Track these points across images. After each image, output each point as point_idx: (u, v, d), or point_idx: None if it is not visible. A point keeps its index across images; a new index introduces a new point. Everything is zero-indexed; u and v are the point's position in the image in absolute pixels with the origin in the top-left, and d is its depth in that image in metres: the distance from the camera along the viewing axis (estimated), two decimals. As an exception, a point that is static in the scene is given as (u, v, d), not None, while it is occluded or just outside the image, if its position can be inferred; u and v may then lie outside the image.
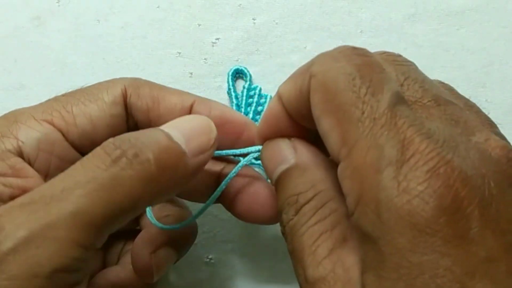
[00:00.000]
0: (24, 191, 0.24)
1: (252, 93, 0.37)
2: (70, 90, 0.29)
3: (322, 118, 0.22)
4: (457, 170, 0.18)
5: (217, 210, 0.37)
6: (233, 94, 0.37)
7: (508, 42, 0.38)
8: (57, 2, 0.39)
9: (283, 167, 0.25)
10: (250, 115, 0.37)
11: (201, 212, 0.30)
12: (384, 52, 0.25)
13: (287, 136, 0.26)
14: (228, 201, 0.31)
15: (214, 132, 0.27)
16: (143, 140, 0.24)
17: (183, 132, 0.25)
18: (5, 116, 0.27)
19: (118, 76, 0.38)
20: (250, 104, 0.37)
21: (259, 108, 0.37)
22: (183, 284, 0.37)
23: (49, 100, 0.28)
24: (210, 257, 0.37)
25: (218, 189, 0.29)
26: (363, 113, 0.20)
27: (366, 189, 0.19)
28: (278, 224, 0.37)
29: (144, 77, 0.38)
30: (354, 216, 0.20)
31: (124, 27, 0.38)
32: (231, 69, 0.38)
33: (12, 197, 0.23)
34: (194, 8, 0.38)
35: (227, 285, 0.37)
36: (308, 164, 0.25)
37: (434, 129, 0.20)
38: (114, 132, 0.28)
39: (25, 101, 0.38)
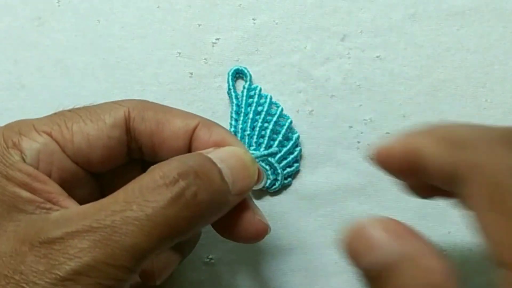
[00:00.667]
0: (49, 193, 0.25)
1: (252, 93, 0.37)
2: (77, 106, 0.29)
3: (485, 213, 0.20)
4: None
5: (217, 210, 0.37)
6: (233, 94, 0.37)
7: (508, 42, 0.38)
8: (57, 2, 0.39)
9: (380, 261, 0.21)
10: (250, 115, 0.37)
11: None
12: None
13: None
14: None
15: (255, 175, 0.29)
16: (203, 178, 0.25)
17: (232, 171, 0.27)
18: (10, 127, 0.28)
19: (118, 76, 0.38)
20: (250, 104, 0.37)
21: (259, 108, 0.37)
22: (183, 284, 0.37)
23: (54, 113, 0.29)
24: (210, 257, 0.37)
25: None
26: None
27: None
28: (278, 223, 0.37)
29: (144, 77, 0.38)
30: None
31: (124, 27, 0.38)
32: (231, 69, 0.38)
33: (47, 200, 0.25)
34: (194, 8, 0.38)
35: (227, 285, 0.37)
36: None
37: None
38: (111, 153, 0.28)
39: (25, 101, 0.38)
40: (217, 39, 0.38)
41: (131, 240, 0.23)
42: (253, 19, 0.38)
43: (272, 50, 0.38)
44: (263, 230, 0.30)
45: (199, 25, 0.38)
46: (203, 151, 0.28)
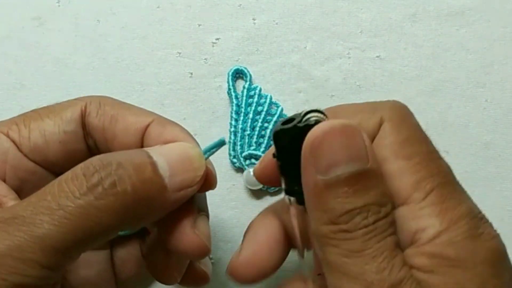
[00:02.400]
0: None
1: (252, 93, 0.37)
2: (42, 106, 0.29)
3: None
4: None
5: (217, 210, 0.37)
6: (233, 94, 0.37)
7: (508, 42, 0.38)
8: (57, 2, 0.39)
9: (359, 166, 0.21)
10: (250, 115, 0.37)
11: None
12: None
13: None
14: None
15: (201, 169, 0.26)
16: (127, 167, 0.24)
17: (170, 164, 0.25)
18: None
19: (118, 76, 0.38)
20: (250, 104, 0.37)
21: (259, 108, 0.37)
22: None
23: (19, 114, 0.29)
24: (210, 257, 0.37)
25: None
26: None
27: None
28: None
29: (144, 77, 0.38)
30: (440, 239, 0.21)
31: (124, 27, 0.38)
32: (231, 69, 0.38)
33: None
34: (194, 8, 0.38)
35: (227, 285, 0.37)
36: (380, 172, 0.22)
37: None
38: (68, 148, 0.28)
39: (25, 101, 0.38)
40: (217, 39, 0.38)
41: (40, 230, 0.22)
42: (253, 19, 0.38)
43: (272, 50, 0.38)
44: (198, 248, 0.26)
45: (199, 25, 0.38)
46: (146, 148, 0.26)
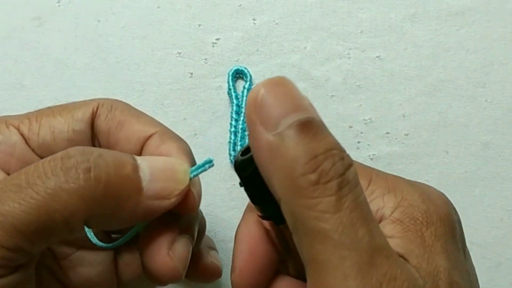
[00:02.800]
0: None
1: (252, 93, 0.37)
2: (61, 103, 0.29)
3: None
4: None
5: (217, 210, 0.37)
6: (233, 94, 0.37)
7: (508, 42, 0.38)
8: (57, 2, 0.39)
9: (306, 114, 0.20)
10: (250, 115, 0.37)
11: (133, 232, 0.28)
12: None
13: None
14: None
15: (183, 183, 0.25)
16: (107, 159, 0.23)
17: (152, 170, 0.24)
18: None
19: (118, 76, 0.38)
20: (250, 104, 0.37)
21: (259, 108, 0.37)
22: (183, 284, 0.37)
23: (35, 110, 0.29)
24: (210, 257, 0.37)
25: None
26: None
27: None
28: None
29: (144, 77, 0.38)
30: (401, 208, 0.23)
31: (124, 27, 0.38)
32: (231, 69, 0.38)
33: None
34: (194, 8, 0.38)
35: (227, 285, 0.37)
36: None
37: None
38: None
39: (25, 101, 0.38)
40: (217, 39, 0.38)
41: (4, 207, 0.21)
42: (253, 19, 0.38)
43: (272, 50, 0.38)
44: (170, 271, 0.26)
45: (199, 25, 0.38)
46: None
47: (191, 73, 0.38)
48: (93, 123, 0.28)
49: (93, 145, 0.28)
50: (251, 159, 0.22)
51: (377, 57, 0.38)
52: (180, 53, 0.38)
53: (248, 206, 0.28)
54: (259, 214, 0.24)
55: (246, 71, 0.37)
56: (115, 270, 0.31)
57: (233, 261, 0.26)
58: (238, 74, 0.38)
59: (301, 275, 0.26)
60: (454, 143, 0.38)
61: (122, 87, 0.38)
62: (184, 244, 0.27)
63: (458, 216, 0.24)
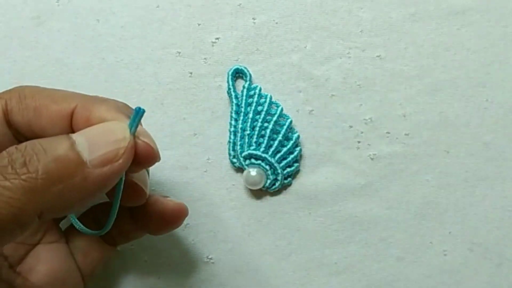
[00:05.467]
0: None
1: (252, 93, 0.37)
2: None
3: None
4: None
5: (217, 209, 0.37)
6: (233, 94, 0.37)
7: (509, 42, 0.38)
8: (57, 2, 0.39)
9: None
10: (250, 115, 0.37)
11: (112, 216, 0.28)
12: None
13: None
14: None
15: (124, 141, 0.25)
16: (40, 148, 0.23)
17: (90, 139, 0.24)
18: None
19: (118, 76, 0.38)
20: (250, 104, 0.37)
21: (259, 108, 0.37)
22: (183, 284, 0.37)
23: None
24: (210, 257, 0.37)
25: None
26: None
27: None
28: (278, 223, 0.37)
29: (144, 77, 0.38)
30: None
31: (124, 27, 0.38)
32: (231, 68, 0.37)
33: None
34: (194, 8, 0.38)
35: (227, 285, 0.37)
36: None
37: None
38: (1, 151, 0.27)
39: (25, 101, 0.38)
40: (217, 38, 0.38)
41: None
42: (253, 19, 0.38)
43: (272, 50, 0.38)
44: (180, 212, 0.30)
45: (199, 24, 0.38)
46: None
47: (191, 73, 0.38)
48: (9, 121, 0.28)
49: (19, 142, 0.27)
50: None
51: (377, 56, 0.38)
52: (179, 53, 0.38)
53: None
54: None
55: (246, 70, 0.37)
56: (74, 262, 0.31)
57: None
58: (238, 74, 0.38)
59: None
60: (454, 143, 0.37)
61: (121, 86, 0.38)
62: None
63: None
